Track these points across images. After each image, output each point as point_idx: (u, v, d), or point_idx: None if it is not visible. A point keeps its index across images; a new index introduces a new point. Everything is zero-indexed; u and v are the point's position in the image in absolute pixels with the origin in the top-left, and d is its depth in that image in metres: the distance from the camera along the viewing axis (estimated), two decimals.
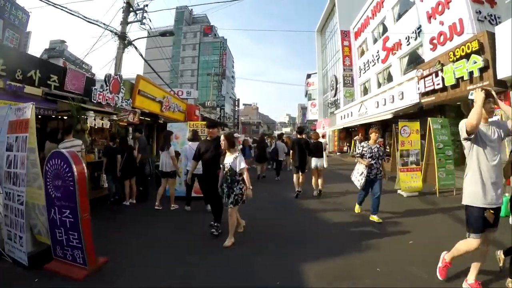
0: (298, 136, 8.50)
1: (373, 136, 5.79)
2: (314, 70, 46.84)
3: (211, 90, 47.56)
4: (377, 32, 18.96)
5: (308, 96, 53.24)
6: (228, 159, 4.33)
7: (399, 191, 8.18)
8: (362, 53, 21.96)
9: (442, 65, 10.74)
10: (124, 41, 13.23)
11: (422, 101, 12.03)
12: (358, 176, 5.75)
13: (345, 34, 24.61)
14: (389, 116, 12.44)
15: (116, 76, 11.58)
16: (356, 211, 6.20)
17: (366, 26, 20.59)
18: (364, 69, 20.91)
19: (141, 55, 14.84)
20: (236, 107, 72.35)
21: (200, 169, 5.39)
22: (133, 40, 13.71)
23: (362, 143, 5.90)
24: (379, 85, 18.57)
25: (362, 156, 5.69)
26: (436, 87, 10.97)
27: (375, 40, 19.14)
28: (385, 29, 17.74)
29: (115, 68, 12.99)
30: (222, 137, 4.33)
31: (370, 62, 19.60)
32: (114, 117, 9.02)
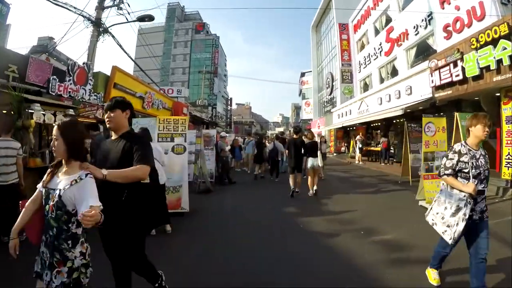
0: (294, 136, 8.21)
1: (478, 131, 2.67)
2: (309, 68, 45.60)
3: (202, 88, 45.82)
4: (380, 23, 17.51)
5: (302, 95, 52.18)
6: (62, 181, 1.86)
7: (421, 203, 6.64)
8: (362, 47, 20.49)
9: (462, 53, 9.30)
10: (99, 28, 11.61)
11: (436, 95, 10.57)
12: (449, 216, 2.68)
13: (343, 27, 23.16)
14: (399, 113, 10.96)
15: (82, 65, 9.93)
16: (433, 283, 2.97)
17: (367, 17, 19.15)
18: (365, 63, 19.42)
19: (119, 46, 13.06)
20: (229, 106, 70.71)
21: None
22: (109, 27, 12.07)
23: (456, 146, 2.79)
24: (382, 80, 17.11)
25: (456, 173, 2.73)
26: (455, 78, 9.50)
27: (377, 32, 17.68)
28: (388, 20, 16.31)
29: (87, 58, 11.39)
30: (54, 131, 1.90)
31: (372, 56, 18.12)
32: (71, 112, 7.34)
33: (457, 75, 9.42)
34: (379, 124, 17.51)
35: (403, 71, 14.17)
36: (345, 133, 24.58)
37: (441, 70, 10.10)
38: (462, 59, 9.27)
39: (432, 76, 10.57)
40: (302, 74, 54.15)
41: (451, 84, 9.83)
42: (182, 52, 68.36)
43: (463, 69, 9.21)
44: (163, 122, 5.78)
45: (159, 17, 69.91)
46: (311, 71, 43.28)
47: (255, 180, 10.65)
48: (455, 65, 9.53)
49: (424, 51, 13.26)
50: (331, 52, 31.77)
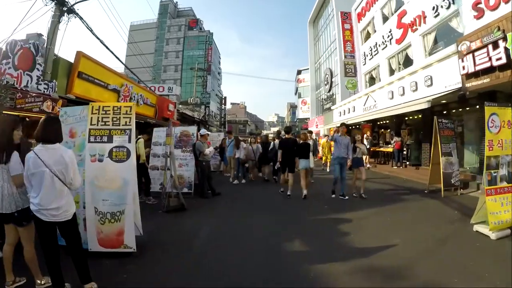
0: (286, 136, 8.19)
1: None
2: (306, 66, 43.67)
3: (195, 86, 43.68)
4: (388, 8, 15.51)
5: (298, 94, 50.53)
6: None
7: (478, 229, 4.68)
8: (367, 36, 18.44)
9: (504, 31, 7.40)
10: (61, 7, 9.61)
11: (468, 85, 8.63)
12: None
13: (345, 16, 21.18)
14: (424, 106, 9.01)
15: (27, 45, 7.88)
16: None
17: (373, 3, 17.15)
18: (371, 54, 17.37)
19: (89, 30, 10.96)
20: (223, 105, 68.57)
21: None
22: (74, 4, 10.04)
23: None
24: (392, 72, 15.10)
25: None
26: (495, 63, 7.57)
27: (386, 19, 15.65)
28: (399, 3, 14.32)
29: (47, 43, 9.42)
30: None
31: (379, 45, 16.09)
32: None
33: (499, 59, 7.49)
34: (387, 121, 15.56)
35: (419, 60, 12.20)
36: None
37: (476, 53, 8.17)
38: (505, 39, 7.37)
39: (463, 61, 8.63)
40: (299, 72, 52.45)
41: (489, 70, 7.91)
42: (174, 49, 66.40)
43: (506, 50, 7.31)
44: (98, 112, 3.72)
45: (151, 13, 67.57)
46: (308, 69, 41.39)
47: (265, 181, 10.10)
48: (495, 46, 7.60)
49: (446, 36, 11.34)
50: (330, 47, 29.92)
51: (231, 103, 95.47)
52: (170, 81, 56.58)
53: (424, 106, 8.89)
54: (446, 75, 9.88)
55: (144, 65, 40.17)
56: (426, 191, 7.99)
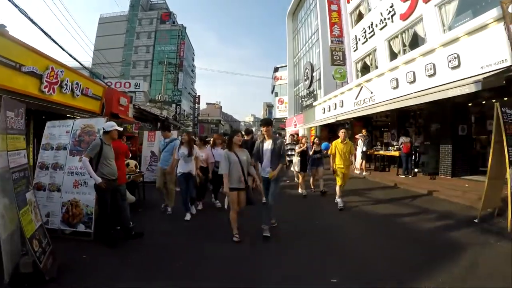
0: (245, 137, 7.04)
1: None
2: (284, 64, 41.11)
3: (163, 82, 39.94)
4: None
5: (275, 93, 48.10)
6: None
7: None
8: (359, 18, 15.52)
9: None
10: None
11: None
12: None
13: None
14: (470, 90, 6.11)
15: None
16: None
17: None
18: (365, 37, 14.46)
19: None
20: (196, 104, 65.04)
21: None
22: None
23: None
24: (394, 55, 12.21)
25: None
26: None
27: None
28: None
29: None
30: None
31: (376, 25, 13.15)
32: None
33: None
34: (387, 117, 12.80)
35: (434, 36, 9.43)
36: (330, 132, 19.89)
37: None
38: None
39: None
40: (276, 69, 50.27)
41: None
42: (145, 43, 62.37)
43: None
44: None
45: (123, 6, 63.59)
46: (285, 66, 38.82)
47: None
48: None
49: (472, 4, 8.65)
50: (310, 39, 27.36)
51: (207, 103, 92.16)
52: (139, 78, 52.56)
53: (471, 89, 6.04)
54: (481, 52, 7.17)
55: (112, 60, 36.50)
56: (476, 221, 5.16)
